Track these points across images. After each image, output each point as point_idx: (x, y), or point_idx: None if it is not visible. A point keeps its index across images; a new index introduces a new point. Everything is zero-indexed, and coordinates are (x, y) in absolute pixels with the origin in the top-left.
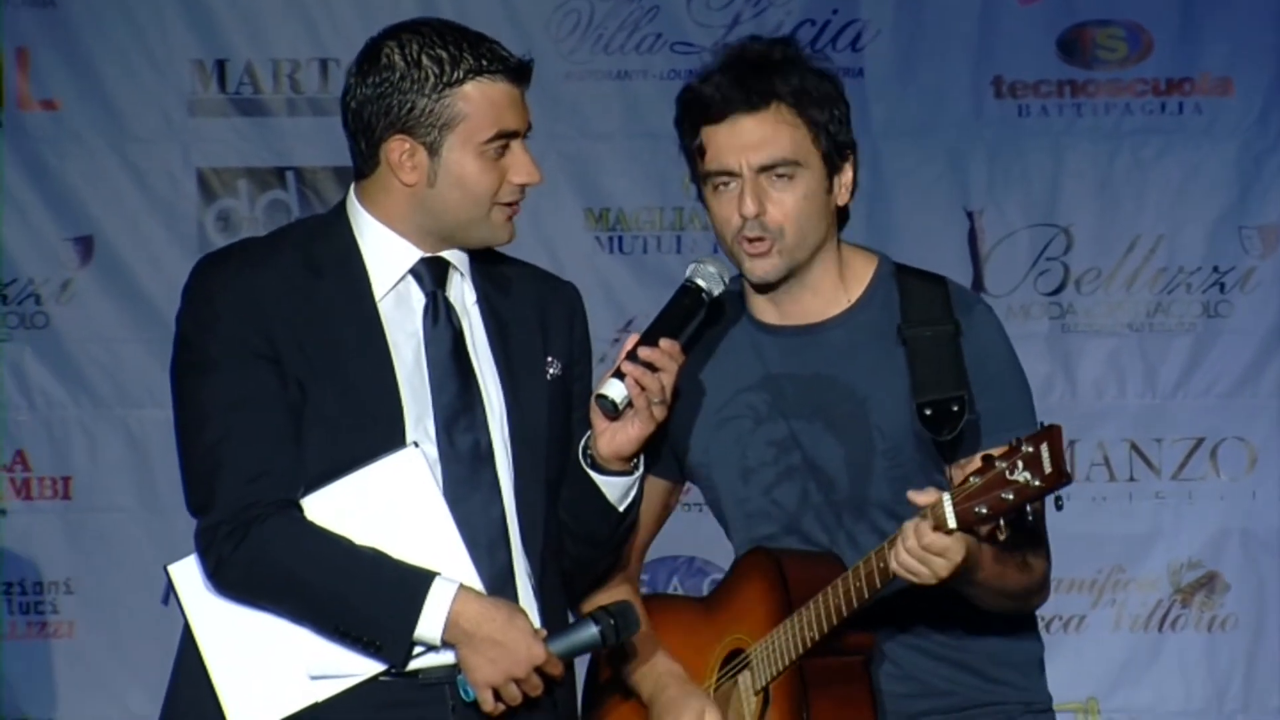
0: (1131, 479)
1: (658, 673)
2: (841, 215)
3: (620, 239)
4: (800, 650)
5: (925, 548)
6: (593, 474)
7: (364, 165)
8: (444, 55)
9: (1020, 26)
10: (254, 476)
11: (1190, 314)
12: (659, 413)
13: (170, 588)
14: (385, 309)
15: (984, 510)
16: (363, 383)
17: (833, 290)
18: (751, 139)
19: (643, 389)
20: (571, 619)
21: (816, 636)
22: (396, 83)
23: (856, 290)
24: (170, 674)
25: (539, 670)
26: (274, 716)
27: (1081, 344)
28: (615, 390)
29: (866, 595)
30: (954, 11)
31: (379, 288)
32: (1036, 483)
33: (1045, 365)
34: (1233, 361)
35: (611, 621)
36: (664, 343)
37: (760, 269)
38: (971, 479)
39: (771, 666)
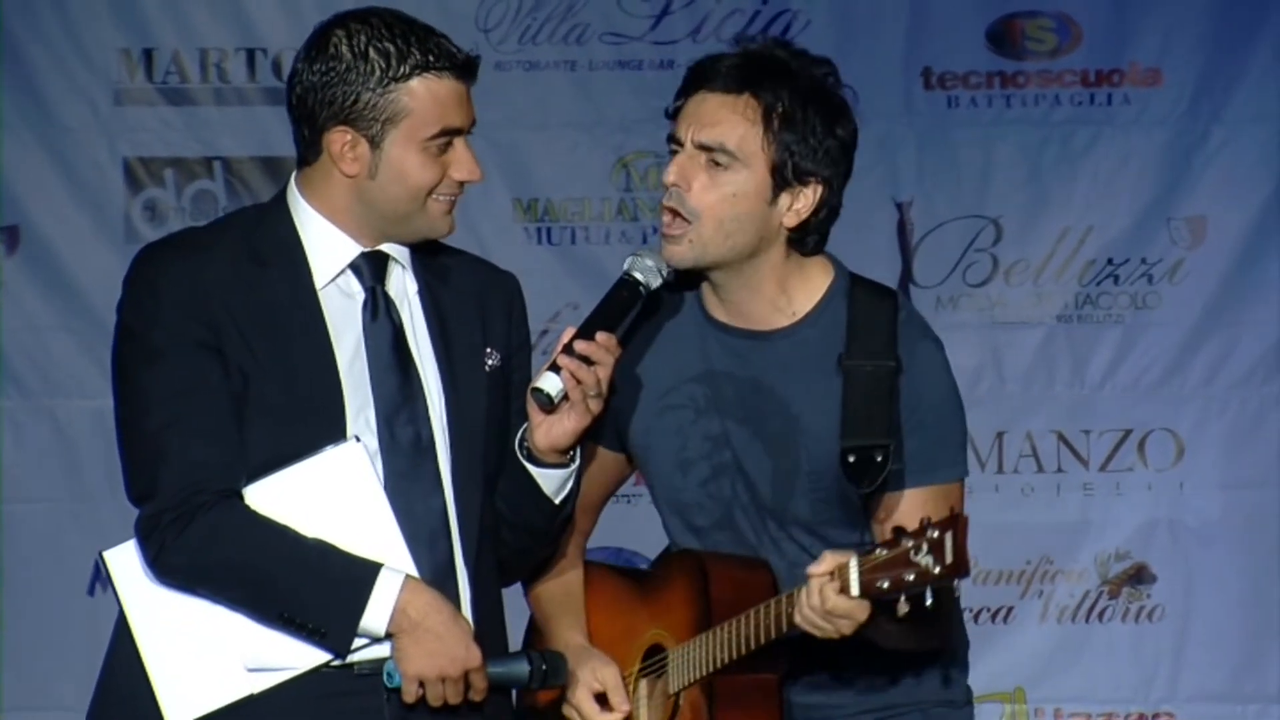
0: (1060, 470)
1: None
2: (799, 238)
3: (549, 230)
4: (712, 667)
5: (830, 610)
6: (529, 466)
7: (306, 152)
8: (391, 49)
9: (950, 17)
10: (198, 465)
11: (1118, 305)
12: (595, 406)
13: (100, 575)
14: (327, 299)
15: (885, 585)
16: (304, 373)
17: (776, 298)
18: (705, 116)
19: (578, 382)
20: (511, 649)
21: (728, 659)
22: (342, 73)
23: (806, 304)
24: (102, 663)
25: (466, 682)
26: (209, 708)
27: (1010, 335)
28: (550, 384)
29: (774, 635)
30: (883, 2)
31: (320, 278)
32: (936, 569)
33: (974, 357)
34: (1160, 353)
35: (543, 666)
36: (600, 336)
37: (668, 253)
38: (879, 550)
39: (684, 675)
